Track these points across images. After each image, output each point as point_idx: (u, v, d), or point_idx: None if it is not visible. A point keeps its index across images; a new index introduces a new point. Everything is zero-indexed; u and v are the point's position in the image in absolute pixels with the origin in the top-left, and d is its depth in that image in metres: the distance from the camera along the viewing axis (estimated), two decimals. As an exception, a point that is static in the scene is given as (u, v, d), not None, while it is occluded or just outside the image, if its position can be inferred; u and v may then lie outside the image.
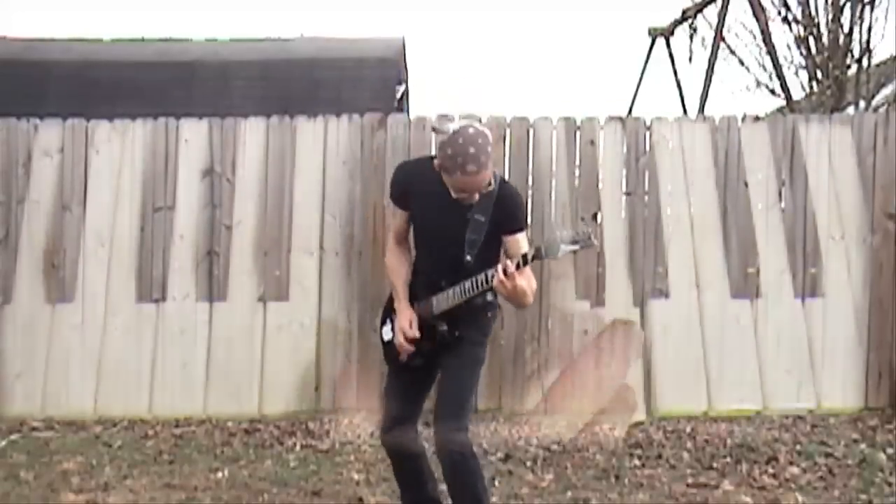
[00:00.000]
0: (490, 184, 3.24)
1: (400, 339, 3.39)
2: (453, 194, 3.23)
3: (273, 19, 32.62)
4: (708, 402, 5.70)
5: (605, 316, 5.77)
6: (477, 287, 3.25)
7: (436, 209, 3.31)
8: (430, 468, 3.58)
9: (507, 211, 3.31)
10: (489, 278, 3.19)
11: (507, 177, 5.76)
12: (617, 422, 5.39)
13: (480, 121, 5.84)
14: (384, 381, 3.70)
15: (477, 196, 3.23)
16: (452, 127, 3.18)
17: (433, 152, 3.37)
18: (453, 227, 3.27)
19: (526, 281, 3.19)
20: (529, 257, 3.17)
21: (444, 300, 3.34)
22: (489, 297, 3.38)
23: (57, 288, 5.79)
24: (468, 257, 3.27)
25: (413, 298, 3.45)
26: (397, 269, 3.53)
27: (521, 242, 3.32)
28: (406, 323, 3.39)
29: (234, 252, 5.83)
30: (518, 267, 3.15)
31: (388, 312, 3.56)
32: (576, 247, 3.16)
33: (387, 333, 3.54)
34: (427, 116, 5.84)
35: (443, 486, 3.45)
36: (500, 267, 3.15)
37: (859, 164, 5.90)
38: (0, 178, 5.86)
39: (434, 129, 3.41)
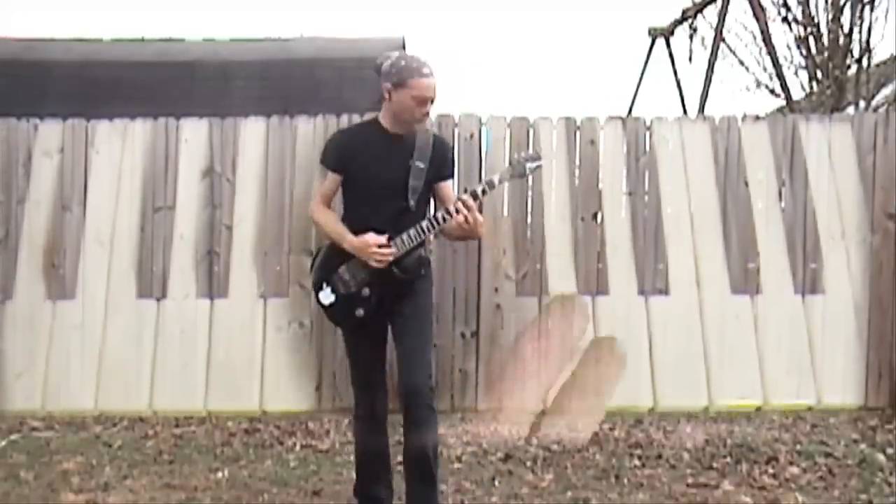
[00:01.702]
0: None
1: (374, 251, 3.40)
2: (408, 115, 3.41)
3: (273, 19, 32.64)
4: (708, 400, 5.70)
5: (606, 314, 5.77)
6: (436, 224, 3.43)
7: (379, 162, 3.46)
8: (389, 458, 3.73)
9: (444, 156, 3.58)
10: (445, 215, 3.39)
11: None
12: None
13: (480, 121, 5.86)
14: (349, 365, 3.72)
15: (426, 111, 3.43)
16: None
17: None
18: (396, 177, 3.45)
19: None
20: (480, 190, 3.42)
21: (399, 244, 3.42)
22: (423, 252, 3.57)
23: (57, 287, 5.80)
24: (412, 202, 3.46)
25: (351, 257, 3.49)
26: (331, 218, 3.63)
27: (450, 188, 3.60)
28: (369, 237, 3.41)
29: (234, 252, 5.83)
30: (475, 198, 3.38)
31: (323, 274, 3.57)
32: (532, 164, 3.46)
33: (327, 297, 3.54)
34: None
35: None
36: (462, 198, 3.36)
37: (859, 163, 5.90)
38: (0, 178, 5.86)
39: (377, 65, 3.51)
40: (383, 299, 3.49)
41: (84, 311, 5.78)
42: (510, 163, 3.42)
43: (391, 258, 3.42)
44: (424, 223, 3.43)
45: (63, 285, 5.79)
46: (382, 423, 3.68)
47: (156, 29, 27.36)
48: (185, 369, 5.73)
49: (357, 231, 3.47)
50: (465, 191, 3.48)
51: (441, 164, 3.55)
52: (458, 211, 3.35)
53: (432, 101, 3.44)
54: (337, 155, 3.58)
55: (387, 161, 3.46)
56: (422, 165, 3.47)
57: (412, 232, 3.42)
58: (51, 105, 8.01)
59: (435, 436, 3.48)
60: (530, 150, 3.52)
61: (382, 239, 3.41)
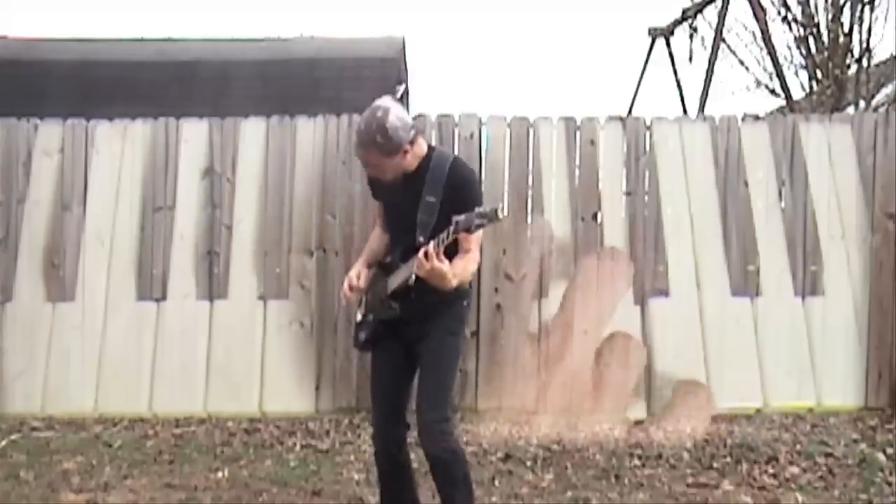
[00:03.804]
0: (425, 160, 3.26)
1: (344, 288, 3.43)
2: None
3: (273, 19, 32.62)
4: (710, 403, 5.69)
5: (605, 315, 5.77)
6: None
7: (393, 193, 3.36)
8: (414, 475, 3.51)
9: (458, 191, 3.21)
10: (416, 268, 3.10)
11: (506, 176, 5.82)
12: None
13: (480, 121, 5.86)
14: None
15: (390, 174, 3.23)
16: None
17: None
18: (407, 209, 3.25)
19: (450, 264, 3.07)
20: (445, 236, 2.98)
21: (394, 279, 3.30)
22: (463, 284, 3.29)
23: (57, 287, 5.79)
24: (420, 238, 3.16)
25: (377, 281, 3.46)
26: (370, 243, 3.61)
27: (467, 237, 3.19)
28: (353, 273, 3.46)
29: (234, 252, 5.83)
30: (441, 243, 2.99)
31: (364, 294, 3.56)
32: (483, 220, 2.90)
33: (358, 315, 3.57)
34: (427, 115, 5.83)
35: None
36: (425, 250, 3.02)
37: (859, 163, 5.90)
38: (0, 178, 5.86)
39: None
40: (385, 329, 3.36)
41: (84, 313, 5.77)
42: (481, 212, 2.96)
43: (344, 301, 3.44)
44: (412, 261, 3.12)
45: (63, 286, 5.79)
46: (393, 447, 3.41)
47: (156, 29, 27.40)
48: (184, 370, 5.73)
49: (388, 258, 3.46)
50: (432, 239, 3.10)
51: (456, 199, 3.13)
52: (419, 266, 3.03)
53: (367, 165, 3.29)
54: (370, 183, 3.53)
55: (399, 192, 3.31)
56: (432, 199, 3.20)
57: (404, 267, 3.22)
58: (51, 105, 8.02)
59: (454, 469, 3.26)
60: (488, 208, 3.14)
61: (353, 279, 3.43)
